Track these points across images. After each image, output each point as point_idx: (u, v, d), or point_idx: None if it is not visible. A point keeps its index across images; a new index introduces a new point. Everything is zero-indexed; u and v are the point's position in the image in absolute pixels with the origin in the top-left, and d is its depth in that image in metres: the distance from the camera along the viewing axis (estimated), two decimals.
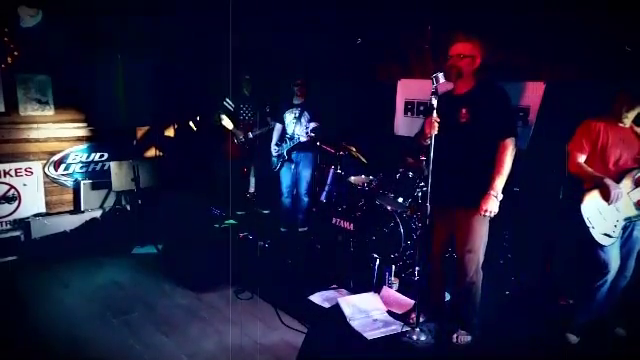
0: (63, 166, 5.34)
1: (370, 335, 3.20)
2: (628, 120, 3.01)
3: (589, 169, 3.05)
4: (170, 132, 6.35)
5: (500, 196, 2.88)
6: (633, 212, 3.01)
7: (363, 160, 4.77)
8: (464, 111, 2.93)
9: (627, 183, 3.00)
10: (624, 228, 3.05)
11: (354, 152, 4.76)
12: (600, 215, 3.02)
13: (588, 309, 3.19)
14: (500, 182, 2.87)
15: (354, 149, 4.74)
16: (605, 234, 3.01)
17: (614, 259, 3.05)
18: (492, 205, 2.86)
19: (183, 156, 6.41)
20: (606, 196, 2.95)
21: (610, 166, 3.04)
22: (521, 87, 4.16)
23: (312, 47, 5.52)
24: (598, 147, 3.05)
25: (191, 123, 6.28)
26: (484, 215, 2.89)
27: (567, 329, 3.24)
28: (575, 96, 3.76)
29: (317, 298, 3.78)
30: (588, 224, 3.00)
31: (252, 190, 5.90)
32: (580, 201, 3.06)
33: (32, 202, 5.09)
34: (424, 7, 4.67)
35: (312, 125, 4.84)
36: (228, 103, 5.57)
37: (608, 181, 2.95)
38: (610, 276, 3.07)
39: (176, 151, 6.36)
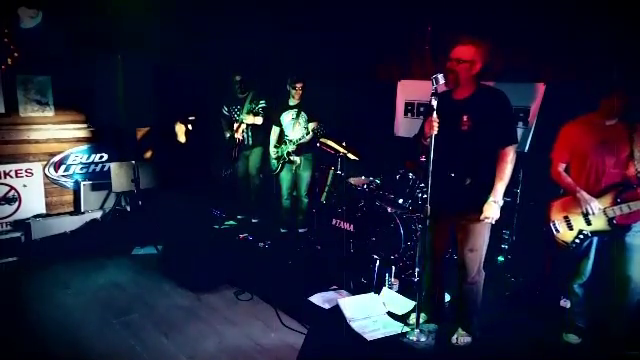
0: (63, 167, 5.35)
1: (370, 336, 3.20)
2: (616, 117, 2.92)
3: (567, 179, 3.07)
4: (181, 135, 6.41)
5: (501, 202, 2.88)
6: (604, 227, 2.94)
7: (351, 157, 4.69)
8: (465, 118, 2.89)
9: (607, 199, 2.92)
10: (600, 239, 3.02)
11: (333, 144, 4.65)
12: (565, 223, 3.05)
13: (579, 311, 3.20)
14: (501, 189, 2.87)
15: (333, 143, 4.63)
16: (564, 242, 3.05)
17: (586, 265, 3.07)
18: (494, 212, 2.86)
19: (184, 156, 6.42)
20: (578, 206, 2.98)
21: (591, 173, 2.98)
22: (521, 88, 4.15)
23: (312, 47, 5.52)
24: (578, 153, 3.02)
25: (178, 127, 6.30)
26: (487, 221, 2.89)
27: (567, 329, 3.24)
28: (575, 96, 3.76)
29: (317, 299, 3.78)
30: (552, 227, 3.07)
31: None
32: (549, 205, 3.13)
33: (32, 203, 5.10)
34: (424, 7, 4.67)
35: (312, 126, 4.83)
36: (227, 110, 5.54)
37: (580, 195, 2.96)
38: (583, 280, 3.11)
39: (176, 151, 6.38)
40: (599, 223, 2.95)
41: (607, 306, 3.13)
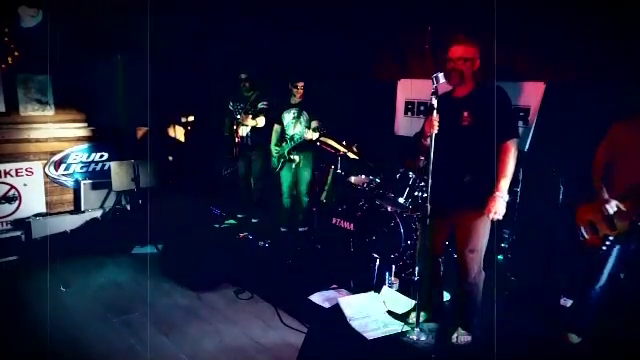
0: (63, 166, 5.35)
1: (370, 335, 3.20)
2: None
3: (598, 181, 2.98)
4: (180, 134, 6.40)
5: (506, 197, 2.86)
6: (627, 230, 2.88)
7: (351, 155, 4.72)
8: (466, 114, 2.91)
9: (630, 203, 2.83)
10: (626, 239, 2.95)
11: (354, 151, 4.72)
12: (590, 228, 3.00)
13: (586, 312, 3.18)
14: (505, 183, 2.86)
15: (333, 142, 4.68)
16: (593, 246, 2.99)
17: (607, 269, 3.02)
18: (499, 206, 2.84)
19: (184, 155, 6.43)
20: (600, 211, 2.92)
21: (630, 177, 2.85)
22: (521, 87, 4.16)
23: (312, 47, 5.52)
24: (620, 154, 2.91)
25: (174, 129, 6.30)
26: (493, 217, 2.86)
27: (568, 329, 3.24)
28: (575, 96, 3.77)
29: (317, 298, 3.78)
30: (579, 233, 3.03)
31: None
32: (576, 210, 3.07)
33: (32, 202, 5.10)
34: (424, 7, 4.67)
35: (314, 124, 4.84)
36: (232, 106, 5.53)
37: (601, 195, 2.92)
38: (600, 284, 3.06)
39: (176, 150, 6.38)
40: (623, 227, 2.87)
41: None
